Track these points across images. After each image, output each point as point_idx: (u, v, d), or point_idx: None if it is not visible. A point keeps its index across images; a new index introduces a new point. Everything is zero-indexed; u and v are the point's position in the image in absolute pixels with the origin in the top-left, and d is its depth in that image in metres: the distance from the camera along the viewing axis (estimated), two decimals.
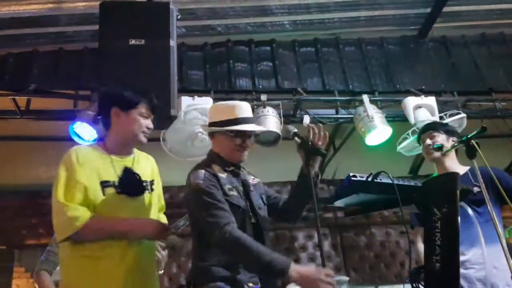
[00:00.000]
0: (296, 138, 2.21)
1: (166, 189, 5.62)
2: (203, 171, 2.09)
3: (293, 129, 2.23)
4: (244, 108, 2.23)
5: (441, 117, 4.33)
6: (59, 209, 2.00)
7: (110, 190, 2.10)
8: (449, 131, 2.87)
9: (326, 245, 6.23)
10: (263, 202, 2.27)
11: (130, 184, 2.16)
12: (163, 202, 2.46)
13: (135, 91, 2.29)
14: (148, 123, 2.26)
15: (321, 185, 6.47)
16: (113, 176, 2.14)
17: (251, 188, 2.24)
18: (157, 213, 2.36)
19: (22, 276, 5.42)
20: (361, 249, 6.22)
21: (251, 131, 2.21)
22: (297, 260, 6.06)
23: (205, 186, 2.03)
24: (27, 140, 5.36)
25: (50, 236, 5.22)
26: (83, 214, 1.99)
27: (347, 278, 4.32)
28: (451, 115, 4.34)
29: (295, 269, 1.85)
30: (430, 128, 2.93)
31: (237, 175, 2.22)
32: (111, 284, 2.03)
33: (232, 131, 2.16)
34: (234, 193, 2.11)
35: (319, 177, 2.21)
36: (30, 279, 5.39)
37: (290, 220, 2.42)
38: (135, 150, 2.32)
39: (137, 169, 2.22)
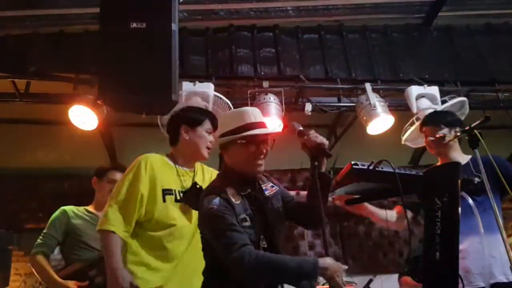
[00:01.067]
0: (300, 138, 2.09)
1: None
2: (218, 198, 1.93)
3: (299, 126, 2.11)
4: (253, 113, 2.10)
5: (443, 101, 4.28)
6: (108, 203, 2.39)
7: (170, 198, 2.40)
8: (451, 122, 2.83)
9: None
10: (280, 213, 2.14)
11: (194, 197, 2.34)
12: None
13: (201, 110, 2.72)
14: (211, 138, 2.58)
15: None
16: (176, 185, 2.46)
17: (266, 202, 2.08)
18: None
19: (20, 259, 5.43)
20: (360, 238, 6.23)
21: (265, 137, 2.06)
22: (296, 248, 6.08)
23: (220, 211, 1.88)
24: (27, 123, 5.34)
25: None
26: (116, 224, 2.29)
27: (346, 267, 4.31)
28: (451, 99, 4.30)
29: (325, 263, 1.84)
30: (432, 122, 2.87)
31: (253, 196, 2.04)
32: None
33: (244, 138, 2.00)
34: (247, 223, 1.93)
35: (331, 174, 2.11)
36: (29, 263, 5.40)
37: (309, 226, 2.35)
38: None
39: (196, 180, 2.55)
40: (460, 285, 2.03)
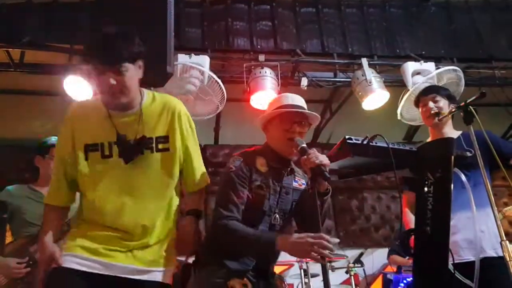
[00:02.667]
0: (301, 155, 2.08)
1: None
2: (241, 160, 2.12)
3: (302, 143, 2.09)
4: (293, 97, 2.25)
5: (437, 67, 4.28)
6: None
7: (94, 155, 1.91)
8: (450, 96, 2.82)
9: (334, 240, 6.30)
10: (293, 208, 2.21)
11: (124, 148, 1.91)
12: (197, 175, 2.11)
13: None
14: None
15: (316, 149, 6.47)
16: (105, 137, 1.91)
17: (288, 192, 2.18)
18: (168, 183, 2.01)
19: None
20: (352, 212, 6.29)
21: (298, 118, 2.16)
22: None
23: (234, 175, 2.08)
24: (22, 94, 5.29)
25: None
26: (48, 196, 2.02)
27: (337, 240, 4.39)
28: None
29: (282, 238, 1.93)
30: (433, 91, 2.84)
31: (281, 175, 2.17)
32: None
33: (278, 115, 2.16)
34: (262, 191, 2.08)
35: (329, 192, 2.11)
36: None
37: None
38: (151, 95, 2.02)
39: (144, 124, 1.94)
40: (450, 259, 2.07)
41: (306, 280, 3.97)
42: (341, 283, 4.61)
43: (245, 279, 2.00)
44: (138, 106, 1.94)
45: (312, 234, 1.86)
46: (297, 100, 2.25)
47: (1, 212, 2.84)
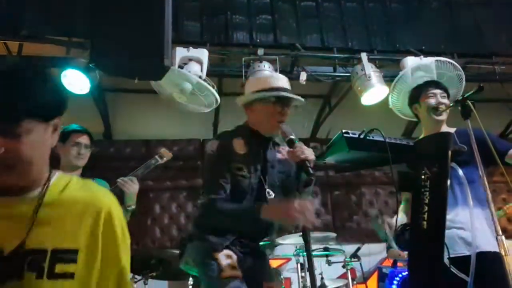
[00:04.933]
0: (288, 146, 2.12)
1: (158, 142, 5.65)
2: (218, 142, 2.18)
3: (291, 134, 2.11)
4: (281, 78, 2.28)
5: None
6: None
7: None
8: (449, 94, 2.80)
9: (316, 202, 6.30)
10: (281, 180, 2.24)
11: None
12: None
13: None
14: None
15: (314, 144, 6.47)
16: None
17: (273, 165, 2.22)
18: None
19: None
20: (350, 207, 6.30)
21: (289, 102, 2.19)
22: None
23: (214, 157, 2.15)
24: None
25: None
26: None
27: (334, 235, 4.39)
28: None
29: (266, 207, 2.01)
30: (443, 86, 2.78)
31: (260, 153, 2.20)
32: None
33: (273, 97, 2.15)
34: (243, 172, 2.12)
35: (312, 182, 2.11)
36: None
37: None
38: (65, 180, 1.24)
39: (39, 225, 1.10)
40: (446, 253, 2.07)
41: (303, 274, 3.97)
42: (338, 277, 4.62)
43: (229, 250, 2.06)
44: (37, 193, 1.14)
45: (299, 200, 1.93)
46: (285, 82, 2.27)
47: None
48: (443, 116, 2.67)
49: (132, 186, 2.86)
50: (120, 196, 2.87)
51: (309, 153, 2.02)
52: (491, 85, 4.69)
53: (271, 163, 2.22)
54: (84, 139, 2.97)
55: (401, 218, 2.55)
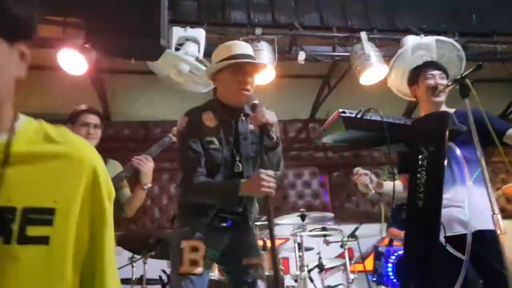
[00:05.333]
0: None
1: (157, 123, 5.61)
2: (187, 118, 2.18)
3: (253, 99, 2.10)
4: (243, 46, 2.24)
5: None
6: None
7: None
8: (447, 73, 2.77)
9: (315, 183, 6.31)
10: (256, 151, 2.22)
11: None
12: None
13: None
14: None
15: (313, 125, 6.46)
16: None
17: (246, 137, 2.20)
18: None
19: None
20: (348, 188, 6.31)
21: (251, 69, 2.17)
22: (285, 197, 6.16)
23: (184, 134, 2.16)
24: None
25: None
26: None
27: (332, 215, 4.40)
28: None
29: (244, 182, 2.03)
30: (442, 67, 2.77)
31: (231, 125, 2.19)
32: None
33: (230, 65, 2.14)
34: (214, 145, 2.13)
35: (277, 146, 2.13)
36: None
37: None
38: (34, 125, 0.98)
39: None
40: (442, 232, 2.07)
41: (300, 254, 4.00)
42: (336, 257, 4.64)
43: (197, 240, 2.08)
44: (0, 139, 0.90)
45: (261, 170, 1.96)
46: (247, 49, 2.25)
47: None
48: (442, 98, 2.65)
49: (147, 164, 2.87)
50: (135, 175, 2.89)
51: (269, 116, 2.02)
52: (492, 65, 4.66)
53: (244, 135, 2.20)
54: (92, 119, 2.98)
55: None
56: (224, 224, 2.17)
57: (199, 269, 2.06)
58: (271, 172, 1.96)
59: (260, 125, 2.01)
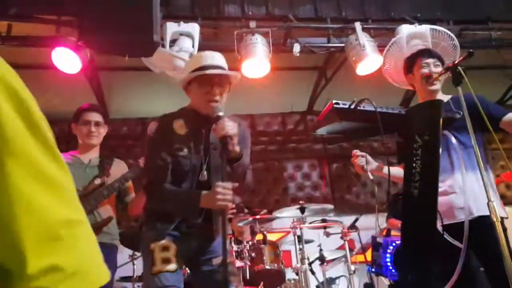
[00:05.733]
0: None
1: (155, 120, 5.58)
2: (157, 124, 2.20)
3: (219, 111, 2.13)
4: (212, 56, 2.24)
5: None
6: None
7: None
8: (443, 62, 2.77)
9: (314, 175, 6.32)
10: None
11: None
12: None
13: None
14: None
15: (311, 117, 6.45)
16: None
17: (216, 147, 2.20)
18: None
19: None
20: (348, 179, 6.31)
21: (219, 79, 2.17)
22: (285, 190, 6.16)
23: (154, 140, 2.18)
24: (12, 68, 5.21)
25: None
26: None
27: (331, 206, 4.41)
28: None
29: (204, 195, 2.05)
30: (436, 55, 2.77)
31: (201, 133, 2.20)
32: None
33: (198, 77, 2.16)
34: (183, 153, 2.14)
35: (239, 158, 2.15)
36: None
37: None
38: None
39: None
40: (439, 221, 2.07)
41: (301, 246, 4.01)
42: (336, 249, 4.65)
43: (167, 241, 2.09)
44: None
45: (218, 183, 2.00)
46: (217, 59, 2.25)
47: None
48: (437, 86, 2.66)
49: None
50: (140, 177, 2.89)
51: (229, 128, 2.04)
52: (488, 52, 4.64)
53: (214, 144, 2.20)
54: (94, 117, 3.00)
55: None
56: (191, 229, 2.17)
57: (172, 266, 2.06)
58: (228, 185, 1.99)
59: (220, 137, 2.03)
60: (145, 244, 2.14)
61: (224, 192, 1.97)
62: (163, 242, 2.09)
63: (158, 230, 2.12)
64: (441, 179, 2.43)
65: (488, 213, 2.35)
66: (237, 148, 2.10)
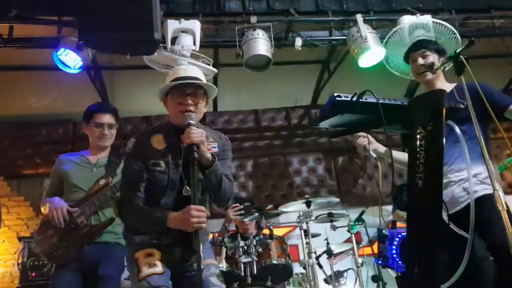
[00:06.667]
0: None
1: (159, 117, 5.59)
2: (134, 141, 2.20)
3: (191, 119, 2.13)
4: (189, 70, 2.29)
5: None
6: None
7: None
8: (440, 50, 2.76)
9: (320, 168, 6.31)
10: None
11: None
12: None
13: None
14: None
15: (315, 110, 6.44)
16: None
17: (195, 162, 2.12)
18: None
19: (21, 204, 5.54)
20: (354, 172, 6.29)
21: (191, 90, 2.17)
22: (291, 184, 6.16)
23: (130, 157, 2.18)
24: (16, 70, 5.25)
25: (47, 166, 5.29)
26: None
27: (337, 200, 4.39)
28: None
29: (171, 217, 2.04)
30: (422, 46, 2.79)
31: (178, 146, 2.16)
32: None
33: (173, 88, 2.17)
34: (160, 168, 2.13)
35: (212, 165, 2.12)
36: (30, 207, 5.51)
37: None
38: None
39: None
40: (445, 211, 2.06)
41: (308, 240, 4.00)
42: (343, 242, 4.65)
43: (150, 248, 2.09)
44: None
45: (191, 206, 1.97)
46: (191, 71, 2.27)
47: None
48: (429, 76, 2.67)
49: None
50: None
51: (195, 136, 2.04)
52: (491, 40, 4.60)
53: (193, 160, 2.11)
54: (107, 119, 2.95)
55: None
56: (173, 240, 2.14)
57: (158, 268, 2.05)
58: (202, 207, 1.99)
59: (186, 144, 2.04)
60: (129, 256, 2.15)
61: (198, 214, 1.96)
62: (146, 250, 2.10)
63: (140, 242, 2.13)
64: (445, 170, 2.42)
65: (485, 193, 2.35)
66: (208, 155, 2.09)
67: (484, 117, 2.34)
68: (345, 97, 2.09)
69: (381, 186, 2.91)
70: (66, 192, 2.87)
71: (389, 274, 3.97)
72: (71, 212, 2.72)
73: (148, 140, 2.19)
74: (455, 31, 3.94)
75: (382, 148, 2.77)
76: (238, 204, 4.14)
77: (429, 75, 2.67)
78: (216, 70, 4.12)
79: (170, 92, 2.20)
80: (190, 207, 1.97)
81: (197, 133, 2.06)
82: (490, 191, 2.07)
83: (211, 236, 3.51)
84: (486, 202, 2.29)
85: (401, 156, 2.67)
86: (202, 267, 1.93)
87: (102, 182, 2.82)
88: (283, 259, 3.85)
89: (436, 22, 3.99)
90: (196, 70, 2.29)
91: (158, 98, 2.29)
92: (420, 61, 2.70)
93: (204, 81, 2.26)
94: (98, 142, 2.95)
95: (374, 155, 2.61)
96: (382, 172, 2.86)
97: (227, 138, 2.39)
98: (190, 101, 2.16)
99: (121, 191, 2.24)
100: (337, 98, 2.08)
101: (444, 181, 2.38)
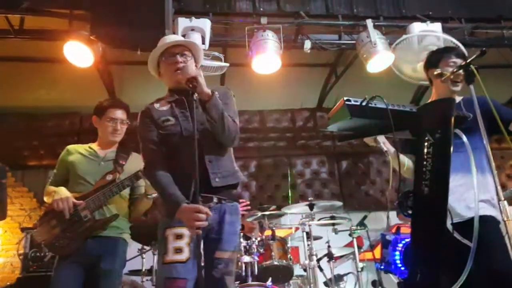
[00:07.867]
0: None
1: None
2: (140, 113, 2.33)
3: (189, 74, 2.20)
4: (169, 37, 2.46)
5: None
6: None
7: None
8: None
9: (324, 172, 6.31)
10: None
11: None
12: None
13: None
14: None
15: (321, 113, 6.46)
16: None
17: (202, 122, 2.21)
18: None
19: (25, 195, 5.57)
20: (357, 176, 6.30)
21: (177, 49, 2.31)
22: (294, 186, 6.16)
23: (140, 126, 2.30)
24: (25, 61, 5.28)
25: (51, 158, 5.32)
26: None
27: (340, 203, 4.40)
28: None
29: (181, 209, 2.03)
30: (460, 55, 2.66)
31: (182, 101, 2.28)
32: None
33: (161, 55, 2.33)
34: (170, 122, 2.23)
35: (211, 98, 2.16)
36: (34, 198, 5.54)
37: None
38: None
39: None
40: (449, 219, 2.06)
41: (309, 243, 4.01)
42: (345, 246, 4.66)
43: (181, 229, 2.10)
44: None
45: (192, 206, 1.98)
46: (174, 37, 2.50)
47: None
48: (459, 87, 2.61)
49: None
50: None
51: (192, 71, 2.17)
52: (500, 51, 4.61)
53: (200, 121, 2.19)
54: (120, 114, 2.99)
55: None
56: (210, 204, 2.17)
57: (183, 256, 2.07)
58: (207, 210, 1.98)
59: (186, 80, 2.11)
60: (161, 230, 2.18)
61: (201, 217, 1.95)
62: (177, 230, 2.11)
63: (171, 215, 2.11)
64: (451, 178, 2.43)
65: (487, 213, 2.36)
66: (207, 90, 2.15)
67: (490, 130, 2.35)
68: (355, 101, 2.11)
69: (391, 181, 2.90)
70: (72, 183, 2.88)
71: (390, 280, 3.98)
72: (76, 205, 2.73)
73: (152, 107, 2.31)
74: (460, 45, 3.96)
75: (392, 149, 2.75)
76: (244, 200, 4.15)
77: (460, 86, 2.62)
78: (228, 64, 4.15)
79: (161, 60, 2.34)
80: (199, 207, 1.96)
81: (194, 69, 2.21)
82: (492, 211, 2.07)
83: None
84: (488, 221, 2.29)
85: (408, 162, 2.66)
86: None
87: (109, 177, 2.83)
88: (284, 261, 3.87)
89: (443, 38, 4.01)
90: (177, 36, 2.48)
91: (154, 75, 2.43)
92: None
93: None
94: (109, 137, 2.98)
95: (385, 148, 2.62)
96: (387, 179, 2.85)
97: (229, 88, 2.48)
98: (180, 59, 2.29)
99: (144, 162, 2.29)
100: (346, 102, 2.10)
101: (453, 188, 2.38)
